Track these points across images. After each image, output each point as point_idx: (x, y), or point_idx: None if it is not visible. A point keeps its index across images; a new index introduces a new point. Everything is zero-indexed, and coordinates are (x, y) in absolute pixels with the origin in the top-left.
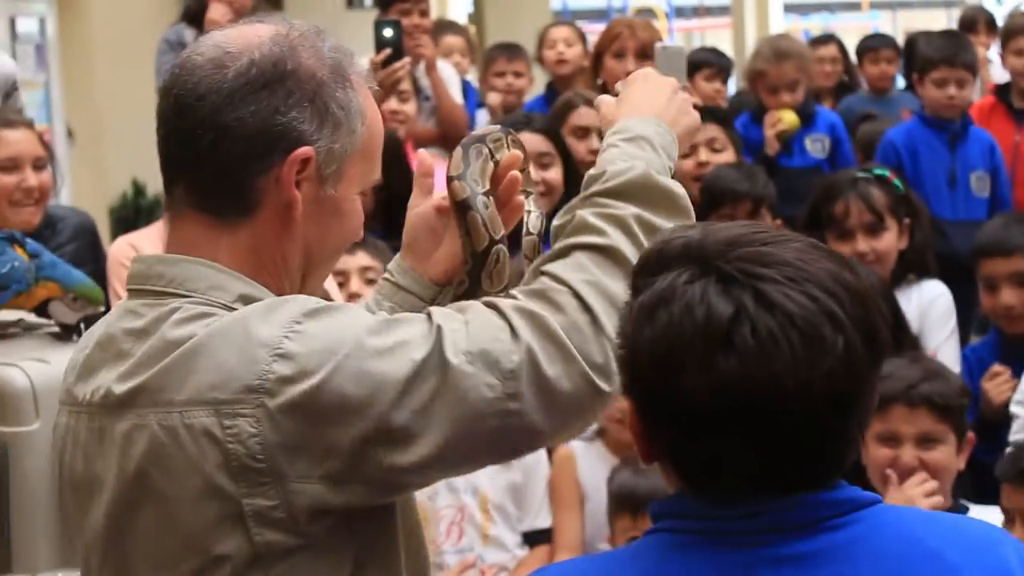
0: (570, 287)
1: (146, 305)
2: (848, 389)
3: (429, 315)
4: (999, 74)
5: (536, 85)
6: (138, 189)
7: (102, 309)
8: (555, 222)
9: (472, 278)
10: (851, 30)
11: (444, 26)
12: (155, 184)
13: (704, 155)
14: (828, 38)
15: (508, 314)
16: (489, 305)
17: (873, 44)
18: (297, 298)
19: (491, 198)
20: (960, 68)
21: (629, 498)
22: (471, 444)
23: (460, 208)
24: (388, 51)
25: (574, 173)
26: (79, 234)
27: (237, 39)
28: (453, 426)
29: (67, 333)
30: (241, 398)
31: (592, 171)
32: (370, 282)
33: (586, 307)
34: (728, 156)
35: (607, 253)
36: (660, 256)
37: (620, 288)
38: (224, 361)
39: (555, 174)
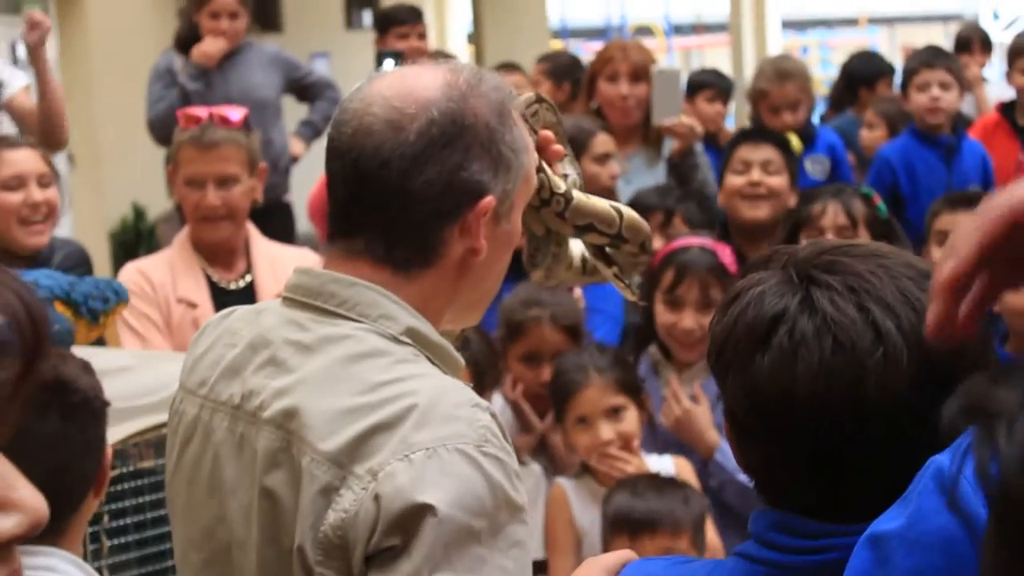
0: None
1: (312, 320)
2: (879, 406)
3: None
4: (996, 93)
5: None
6: (138, 213)
7: None
8: None
9: (542, 250)
10: (848, 46)
11: (442, 55)
12: (155, 208)
13: (757, 175)
14: None
15: None
16: None
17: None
18: (463, 432)
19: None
20: (940, 70)
21: (626, 520)
22: None
23: None
24: None
25: None
26: (78, 262)
27: (409, 96)
28: None
29: None
30: (360, 473)
31: None
32: None
33: None
34: (782, 180)
35: None
36: (765, 258)
37: None
38: (367, 434)
39: None
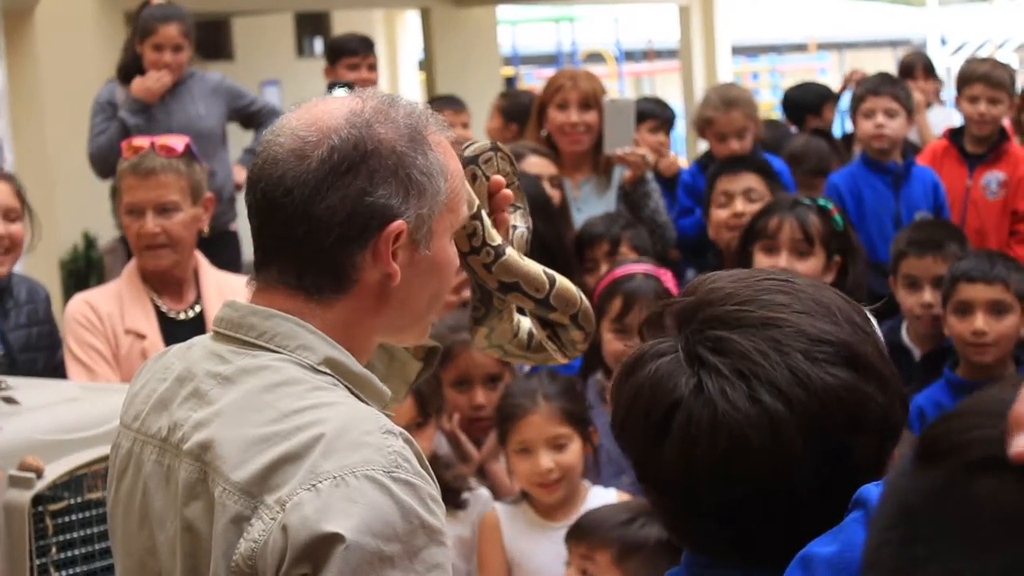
0: None
1: (233, 352)
2: (778, 491)
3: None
4: (938, 118)
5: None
6: (89, 242)
7: None
8: None
9: (485, 302)
10: (798, 71)
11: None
12: (106, 237)
13: (740, 205)
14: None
15: None
16: None
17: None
18: (372, 458)
19: (484, 212)
20: (885, 97)
21: (574, 527)
22: None
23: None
24: None
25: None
26: (41, 298)
27: (313, 124)
28: None
29: None
30: (270, 503)
31: None
32: None
33: None
34: None
35: None
36: (659, 314)
37: None
38: (276, 463)
39: None
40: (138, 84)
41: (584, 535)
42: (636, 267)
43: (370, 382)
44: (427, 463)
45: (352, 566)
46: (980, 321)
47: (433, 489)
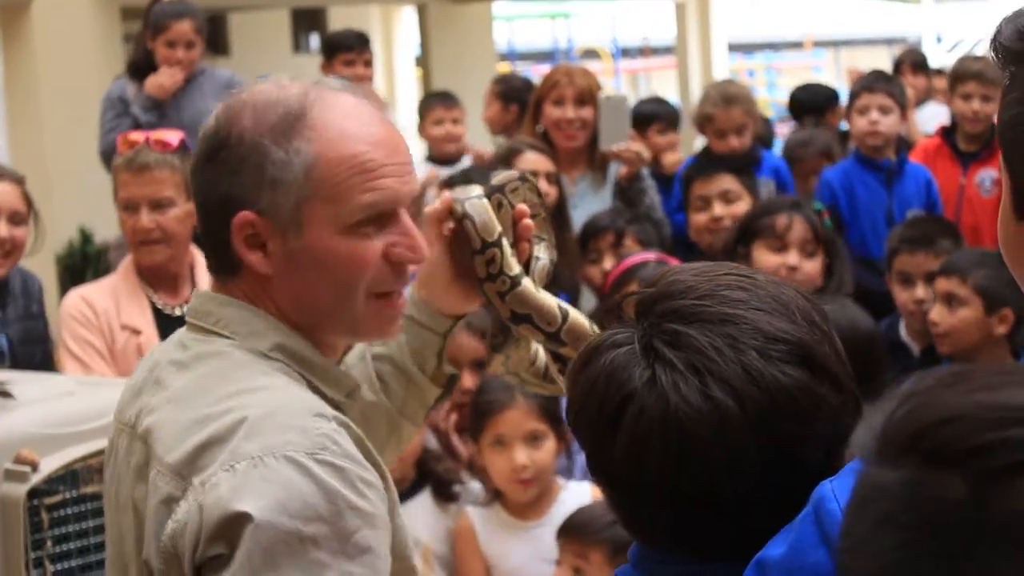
0: None
1: (194, 339)
2: (729, 491)
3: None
4: (929, 116)
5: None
6: (85, 236)
7: None
8: None
9: (504, 330)
10: (794, 69)
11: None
12: (102, 232)
13: (719, 208)
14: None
15: None
16: None
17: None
18: (294, 440)
19: (506, 240)
20: (880, 93)
21: (565, 524)
22: None
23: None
24: None
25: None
26: (36, 289)
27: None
28: None
29: None
30: (195, 484)
31: None
32: None
33: None
34: (744, 204)
35: None
36: (618, 303)
37: None
38: (204, 445)
39: None
40: (152, 82)
41: (577, 534)
42: (647, 255)
43: (327, 369)
44: (370, 449)
45: (263, 545)
46: (934, 312)
47: (367, 473)
